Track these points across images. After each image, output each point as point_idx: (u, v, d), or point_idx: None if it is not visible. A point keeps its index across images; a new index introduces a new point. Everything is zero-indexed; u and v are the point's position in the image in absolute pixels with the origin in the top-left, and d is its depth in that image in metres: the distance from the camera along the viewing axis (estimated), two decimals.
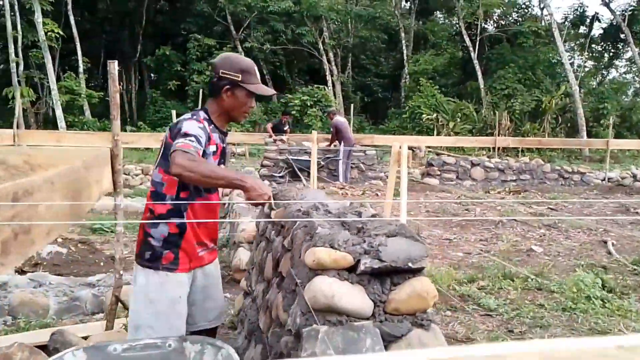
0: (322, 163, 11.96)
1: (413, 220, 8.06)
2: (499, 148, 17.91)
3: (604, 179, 13.68)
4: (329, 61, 24.87)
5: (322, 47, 24.15)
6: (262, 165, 12.26)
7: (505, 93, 22.80)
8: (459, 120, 21.22)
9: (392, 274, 2.14)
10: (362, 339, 2.00)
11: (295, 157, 11.49)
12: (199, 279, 2.48)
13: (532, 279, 5.15)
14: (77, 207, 2.69)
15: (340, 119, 12.07)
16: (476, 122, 21.56)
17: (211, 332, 2.63)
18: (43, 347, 3.24)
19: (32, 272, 5.04)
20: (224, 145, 2.46)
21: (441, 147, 18.27)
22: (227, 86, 2.33)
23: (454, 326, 4.09)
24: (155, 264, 2.30)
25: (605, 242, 6.96)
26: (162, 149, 2.33)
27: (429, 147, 17.82)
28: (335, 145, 11.84)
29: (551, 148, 19.91)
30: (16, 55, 20.66)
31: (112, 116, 3.99)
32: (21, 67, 21.09)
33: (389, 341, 2.10)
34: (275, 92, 2.61)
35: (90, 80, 28.52)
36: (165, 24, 28.46)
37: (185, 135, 2.12)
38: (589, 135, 21.52)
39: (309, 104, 20.20)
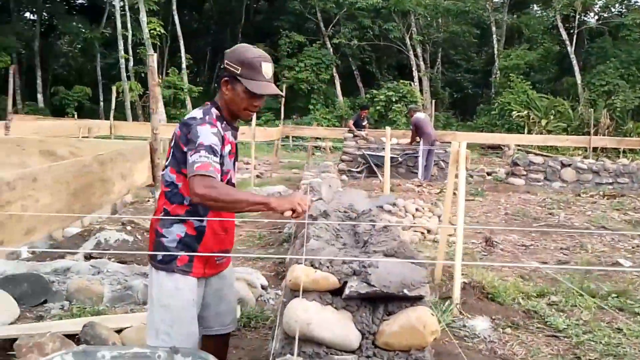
0: (400, 159, 11.42)
1: (473, 226, 7.40)
2: (595, 148, 16.32)
3: None
4: (416, 56, 24.01)
5: (409, 43, 23.34)
6: (341, 161, 11.95)
7: (606, 89, 20.73)
8: (552, 117, 19.62)
9: (387, 301, 1.72)
10: None
11: (372, 153, 11.05)
12: (214, 282, 2.27)
13: (613, 298, 4.40)
14: (90, 200, 2.52)
15: (420, 115, 11.42)
16: (572, 120, 19.83)
17: (225, 337, 2.43)
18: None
19: (99, 258, 5.07)
20: (236, 141, 2.24)
21: (532, 145, 16.98)
22: (226, 78, 2.11)
23: (513, 346, 3.54)
24: (169, 266, 2.10)
25: None
26: (172, 146, 2.11)
27: (519, 145, 16.62)
28: (416, 142, 11.25)
29: None
30: (126, 52, 21.91)
31: (151, 110, 3.83)
32: (131, 63, 22.32)
33: None
34: (278, 92, 2.23)
35: (197, 76, 29.82)
36: (262, 23, 29.07)
37: (200, 146, 1.93)
38: None
39: (393, 100, 19.59)
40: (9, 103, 7.61)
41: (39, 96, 24.97)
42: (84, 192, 2.33)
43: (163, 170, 2.18)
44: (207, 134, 1.97)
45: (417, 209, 7.18)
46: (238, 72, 2.06)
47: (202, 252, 2.10)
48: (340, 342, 1.62)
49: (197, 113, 2.09)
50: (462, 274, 4.60)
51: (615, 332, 3.78)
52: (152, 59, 3.72)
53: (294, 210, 1.85)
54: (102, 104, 24.38)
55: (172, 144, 2.11)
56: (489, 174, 12.71)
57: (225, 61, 2.10)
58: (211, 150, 1.94)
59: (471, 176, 12.23)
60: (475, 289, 4.25)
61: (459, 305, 3.90)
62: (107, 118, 13.86)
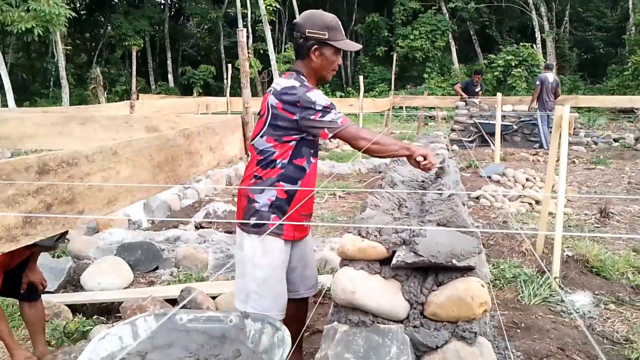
0: (515, 127, 10.75)
1: (579, 195, 6.80)
2: None
3: None
4: (539, 16, 22.07)
5: (532, 2, 21.49)
6: (452, 130, 11.55)
7: None
8: None
9: (438, 271, 1.71)
10: (386, 345, 1.63)
11: (485, 121, 10.51)
12: (300, 246, 2.38)
13: None
14: (175, 171, 2.69)
15: (547, 76, 10.39)
16: None
17: (306, 300, 2.55)
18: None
19: (207, 227, 5.41)
20: None
21: None
22: (315, 46, 2.18)
23: (614, 323, 3.26)
24: (262, 229, 2.21)
25: None
26: (269, 117, 2.19)
27: None
28: (533, 109, 10.46)
29: None
30: (246, 29, 22.82)
31: (242, 84, 3.97)
32: (250, 40, 23.14)
33: (421, 352, 1.68)
34: (360, 46, 2.33)
35: None
36: None
37: (327, 108, 2.09)
38: None
39: (513, 64, 18.28)
40: (132, 83, 8.22)
41: (169, 76, 26.91)
42: (168, 164, 2.42)
43: (253, 139, 2.28)
44: (322, 97, 2.11)
45: (527, 179, 6.78)
46: (326, 37, 2.16)
47: (290, 215, 2.20)
48: (387, 311, 1.63)
49: (293, 82, 2.17)
50: (567, 247, 4.31)
51: None
52: (242, 34, 3.83)
53: (425, 157, 2.10)
54: (225, 81, 25.70)
55: (269, 114, 2.18)
56: (615, 140, 11.53)
57: (307, 31, 2.16)
58: (335, 107, 2.13)
59: (595, 143, 11.19)
60: (579, 263, 3.96)
61: (559, 279, 3.66)
62: (232, 95, 14.60)
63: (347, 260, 1.71)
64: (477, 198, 6.02)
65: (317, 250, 4.22)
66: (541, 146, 10.05)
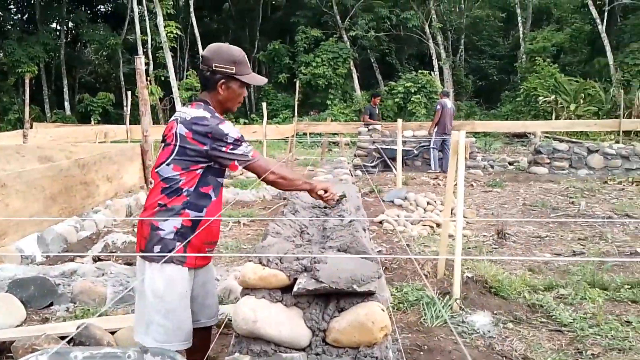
0: (416, 152, 11.39)
1: (470, 218, 7.35)
2: (628, 132, 15.92)
3: None
4: (436, 45, 23.81)
5: (429, 31, 23.15)
6: (356, 156, 11.97)
7: None
8: (582, 101, 19.21)
9: (339, 297, 1.77)
10: None
11: (386, 147, 11.05)
12: (201, 275, 2.41)
13: (626, 289, 4.35)
14: (70, 203, 2.62)
15: (446, 102, 11.26)
16: (603, 103, 19.39)
17: (209, 329, 2.58)
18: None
19: (106, 260, 5.22)
20: None
21: (561, 132, 16.67)
22: (223, 80, 2.30)
23: (512, 342, 3.53)
24: (165, 257, 2.20)
25: None
26: (176, 145, 2.23)
27: (545, 132, 16.33)
28: (430, 133, 11.23)
29: None
30: (146, 56, 22.42)
31: (141, 112, 3.93)
32: (151, 67, 22.79)
33: None
34: (266, 80, 2.45)
35: None
36: (279, 19, 29.27)
37: (238, 141, 2.22)
38: None
39: (412, 91, 19.48)
40: (25, 111, 7.90)
41: (66, 104, 25.98)
42: (62, 195, 2.41)
43: (157, 167, 2.30)
44: (233, 130, 2.24)
45: (428, 203, 7.19)
46: (233, 71, 2.28)
47: (194, 243, 2.24)
48: (289, 340, 1.67)
49: (203, 113, 2.24)
50: (467, 268, 4.61)
51: (624, 325, 3.74)
52: (140, 61, 3.83)
53: (326, 191, 2.33)
54: (125, 109, 25.03)
55: (177, 143, 2.22)
56: (510, 163, 12.58)
57: (215, 64, 2.27)
58: (245, 140, 2.27)
59: (492, 166, 12.13)
60: (478, 283, 4.26)
61: (460, 301, 3.91)
62: (133, 123, 14.20)
63: (249, 289, 1.75)
64: (380, 222, 6.29)
65: (221, 280, 4.22)
66: (434, 169, 10.78)
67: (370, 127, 11.91)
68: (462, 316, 3.77)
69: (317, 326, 1.69)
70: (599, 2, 22.02)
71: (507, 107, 21.81)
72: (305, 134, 16.54)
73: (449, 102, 11.31)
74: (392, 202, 7.36)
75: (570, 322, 3.75)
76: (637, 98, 18.70)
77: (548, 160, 11.40)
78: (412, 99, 19.66)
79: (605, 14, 21.78)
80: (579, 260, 5.15)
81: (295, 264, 1.75)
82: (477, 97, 25.35)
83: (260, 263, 1.75)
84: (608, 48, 21.38)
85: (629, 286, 4.39)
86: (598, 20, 21.56)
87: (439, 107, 11.15)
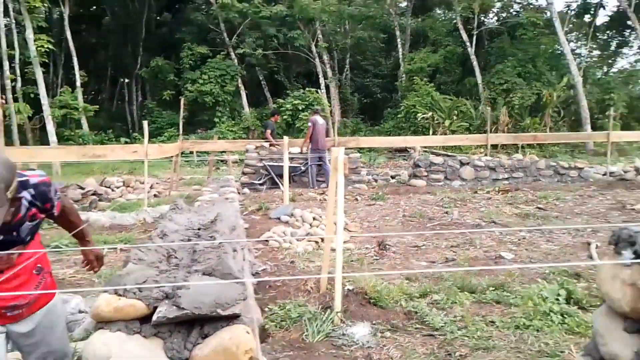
0: (303, 168, 11.58)
1: (352, 232, 7.66)
2: (495, 145, 17.39)
3: (605, 174, 13.09)
4: (322, 64, 24.51)
5: (315, 50, 23.77)
6: (244, 173, 11.91)
7: (504, 88, 22.24)
8: (455, 118, 20.70)
9: (203, 322, 1.74)
10: None
11: (274, 163, 11.12)
12: (36, 319, 2.16)
13: (491, 291, 4.71)
14: None
15: (318, 119, 11.66)
16: (474, 119, 21.03)
17: None
18: None
19: None
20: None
21: (438, 146, 17.80)
22: None
23: (389, 350, 3.67)
24: None
25: (589, 245, 6.45)
26: None
27: (424, 147, 17.36)
28: (303, 150, 11.56)
29: (553, 143, 19.31)
30: (12, 72, 20.69)
31: None
32: (19, 84, 21.07)
33: None
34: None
35: (98, 94, 28.66)
36: (164, 35, 28.53)
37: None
38: (594, 127, 20.84)
39: (300, 108, 19.86)
40: None
41: None
42: None
43: None
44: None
45: (314, 218, 7.32)
46: None
47: None
48: None
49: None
50: (348, 281, 4.75)
51: (489, 325, 4.04)
52: None
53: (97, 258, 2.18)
54: None
55: None
56: (393, 177, 13.19)
57: None
58: None
59: (376, 180, 12.64)
60: (359, 295, 4.40)
61: (340, 314, 4.01)
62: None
63: (103, 322, 1.67)
64: (267, 240, 6.31)
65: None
66: (312, 186, 11.00)
67: (273, 145, 11.96)
68: (343, 329, 3.87)
69: (178, 356, 1.65)
70: (469, 27, 23.91)
71: (390, 123, 22.92)
72: (191, 152, 16.19)
73: (320, 119, 11.68)
74: (279, 219, 7.41)
75: (442, 326, 3.98)
76: (502, 114, 20.51)
77: (426, 173, 12.11)
78: (300, 116, 20.04)
79: (474, 37, 23.69)
80: (452, 266, 5.52)
81: (156, 291, 1.70)
82: (363, 114, 26.37)
83: (116, 293, 1.68)
84: (477, 69, 23.24)
85: (493, 288, 4.76)
86: (468, 44, 23.39)
87: (310, 124, 11.52)
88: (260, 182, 11.30)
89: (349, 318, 4.04)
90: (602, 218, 8.43)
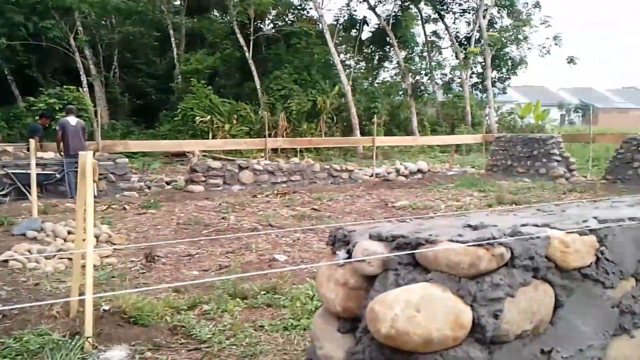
0: (58, 176, 10.45)
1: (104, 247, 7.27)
2: (276, 150, 18.03)
3: (371, 175, 14.43)
4: (85, 59, 22.63)
5: (74, 44, 21.80)
6: None
7: (282, 94, 23.23)
8: (235, 122, 20.96)
9: None
10: None
11: (20, 171, 9.81)
12: None
13: (262, 295, 4.71)
14: None
15: (69, 120, 10.70)
16: (254, 124, 21.55)
17: None
18: None
19: None
20: None
21: (218, 151, 17.75)
22: None
23: None
24: None
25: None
26: None
27: (204, 151, 17.15)
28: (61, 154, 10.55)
29: (328, 147, 20.77)
30: None
31: None
32: None
33: None
34: None
35: None
36: None
37: None
38: (363, 133, 22.94)
39: (57, 108, 17.97)
40: None
41: None
42: None
43: None
44: None
45: (69, 232, 6.60)
46: None
47: None
48: None
49: None
50: (105, 300, 4.30)
51: (258, 330, 4.01)
52: None
53: None
54: None
55: None
56: (168, 183, 12.73)
57: None
58: None
59: (149, 187, 12.05)
60: (115, 315, 4.01)
61: (92, 339, 3.58)
62: None
63: None
64: (6, 261, 5.45)
65: None
66: (72, 196, 10.05)
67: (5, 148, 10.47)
68: (95, 356, 3.46)
69: None
70: (247, 32, 24.41)
71: (166, 126, 22.16)
72: None
73: (72, 121, 10.79)
74: (24, 235, 6.50)
75: (210, 337, 3.84)
76: (281, 119, 21.40)
77: (204, 178, 11.93)
78: (57, 117, 18.08)
79: (251, 42, 24.29)
80: (225, 273, 5.41)
81: None
82: (136, 116, 25.02)
83: None
84: (255, 74, 23.85)
85: (265, 292, 4.78)
86: (245, 48, 23.87)
87: (58, 128, 10.63)
88: (3, 192, 9.85)
89: (103, 342, 3.65)
90: (368, 216, 9.24)
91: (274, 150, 17.75)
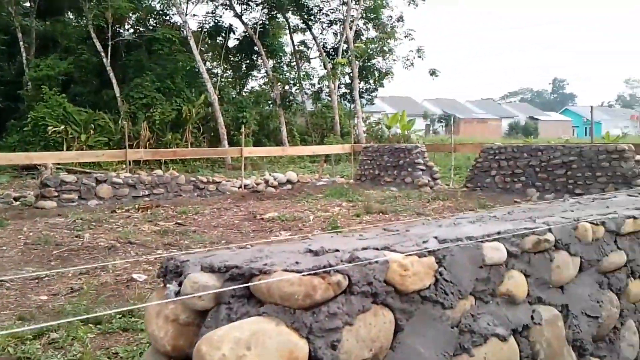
0: None
1: None
2: (139, 162, 17.25)
3: (240, 187, 14.33)
4: None
5: None
6: None
7: (144, 102, 22.33)
8: (92, 132, 19.77)
9: None
10: None
11: None
12: None
13: (119, 319, 4.48)
14: None
15: None
16: (113, 134, 20.48)
17: None
18: None
19: None
20: None
21: (73, 163, 16.60)
22: None
23: None
24: None
25: None
26: None
27: (58, 164, 15.94)
28: None
29: (195, 159, 20.28)
30: None
31: None
32: None
33: None
34: None
35: None
36: None
37: None
38: (231, 143, 22.76)
39: None
40: None
41: None
42: None
43: None
44: None
45: None
46: None
47: None
48: None
49: None
50: None
51: (113, 357, 3.81)
52: None
53: None
54: None
55: None
56: (16, 199, 11.68)
57: None
58: None
59: None
60: None
61: None
62: None
63: None
64: None
65: None
66: None
67: None
68: None
69: None
70: (105, 37, 23.15)
71: (15, 137, 20.31)
72: None
73: None
74: None
75: None
76: (143, 129, 20.57)
77: (56, 193, 11.11)
78: None
79: (109, 48, 23.08)
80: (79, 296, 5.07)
81: None
82: None
83: None
84: (114, 81, 22.70)
85: (121, 315, 4.55)
86: (103, 54, 22.64)
87: None
88: None
89: None
90: (235, 229, 9.16)
91: (136, 162, 16.98)
